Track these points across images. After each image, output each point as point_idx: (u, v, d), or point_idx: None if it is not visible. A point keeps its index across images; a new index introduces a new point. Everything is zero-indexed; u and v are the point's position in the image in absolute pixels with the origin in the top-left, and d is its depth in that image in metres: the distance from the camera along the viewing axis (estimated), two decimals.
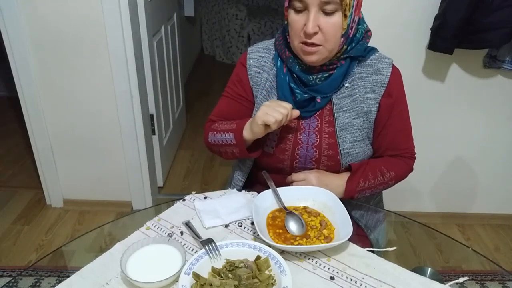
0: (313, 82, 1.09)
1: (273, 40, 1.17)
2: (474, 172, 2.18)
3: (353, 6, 0.98)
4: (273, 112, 1.01)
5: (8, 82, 3.09)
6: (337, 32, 0.99)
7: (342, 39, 1.01)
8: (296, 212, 1.00)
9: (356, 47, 1.05)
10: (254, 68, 1.16)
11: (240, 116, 1.19)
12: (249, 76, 1.17)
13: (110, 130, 2.11)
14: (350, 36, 1.03)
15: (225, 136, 1.15)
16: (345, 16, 0.98)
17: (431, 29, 1.80)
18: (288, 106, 1.03)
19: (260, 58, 1.16)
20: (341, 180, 1.12)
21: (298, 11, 0.99)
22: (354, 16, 1.01)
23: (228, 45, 4.58)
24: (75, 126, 2.11)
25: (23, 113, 2.07)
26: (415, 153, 1.21)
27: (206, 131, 1.24)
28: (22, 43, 1.90)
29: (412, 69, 1.92)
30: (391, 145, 1.16)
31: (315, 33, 0.98)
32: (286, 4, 1.01)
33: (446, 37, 1.71)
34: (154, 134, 2.33)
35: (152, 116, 2.28)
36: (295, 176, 1.13)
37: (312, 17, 0.96)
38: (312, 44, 1.00)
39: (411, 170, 1.21)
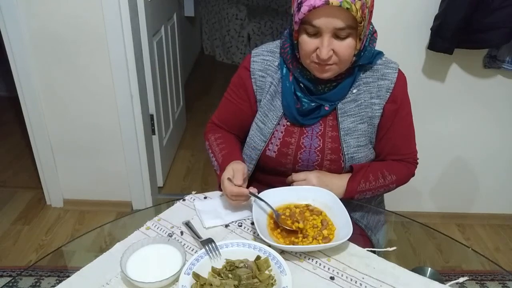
0: (321, 91, 1.08)
1: (277, 42, 1.15)
2: (474, 172, 2.18)
3: (365, 26, 0.96)
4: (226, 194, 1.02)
5: (8, 82, 3.09)
6: (351, 53, 0.98)
7: (355, 57, 1.01)
8: (298, 210, 1.01)
9: (364, 55, 1.04)
10: (258, 72, 1.14)
11: (240, 120, 1.20)
12: (252, 80, 1.15)
13: (110, 130, 2.11)
14: (361, 48, 1.02)
15: (213, 160, 1.18)
16: (359, 39, 0.97)
17: (431, 29, 1.80)
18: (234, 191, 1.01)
19: (264, 61, 1.14)
20: (341, 180, 1.12)
21: (310, 35, 0.97)
22: (366, 31, 1.00)
23: (228, 45, 4.58)
24: (75, 126, 2.11)
25: (23, 113, 2.07)
26: (418, 158, 1.20)
27: (206, 135, 1.26)
28: (22, 43, 1.90)
29: (412, 69, 1.91)
30: (394, 150, 1.16)
31: (329, 57, 0.97)
32: (296, 27, 0.97)
33: (446, 37, 1.71)
34: (154, 134, 2.33)
35: (152, 116, 2.28)
36: (295, 176, 1.13)
37: (326, 43, 0.95)
38: (326, 64, 0.99)
39: (413, 175, 1.20)
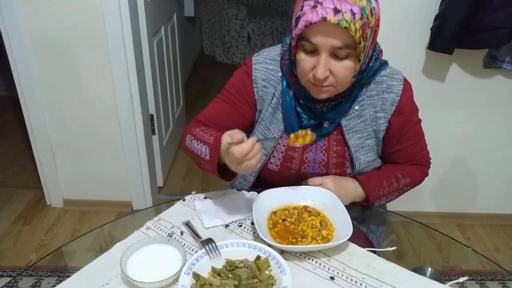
0: (319, 109, 1.05)
1: (278, 48, 1.09)
2: (474, 172, 2.18)
3: (367, 47, 0.91)
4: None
5: (8, 82, 3.08)
6: (349, 75, 0.93)
7: (354, 78, 0.97)
8: (296, 211, 1.01)
9: (367, 75, 1.00)
10: (261, 82, 1.09)
11: (233, 121, 1.13)
12: (254, 89, 1.10)
13: (110, 130, 2.11)
14: (363, 69, 0.98)
15: (201, 147, 1.02)
16: (359, 60, 0.91)
17: (431, 29, 1.80)
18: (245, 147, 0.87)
19: (267, 71, 1.08)
20: (354, 184, 1.10)
21: (307, 52, 0.92)
22: (369, 52, 0.94)
23: (228, 45, 4.58)
24: (75, 126, 2.11)
25: (23, 113, 2.07)
26: (430, 158, 1.20)
27: (187, 130, 1.13)
28: (22, 43, 1.90)
29: (412, 69, 1.91)
30: (408, 158, 1.16)
31: (326, 78, 0.92)
32: (294, 43, 0.93)
33: (446, 37, 1.71)
34: (154, 134, 2.33)
35: (152, 116, 2.28)
36: (311, 180, 1.10)
37: (323, 62, 0.89)
38: (322, 86, 0.94)
39: (426, 175, 1.20)
